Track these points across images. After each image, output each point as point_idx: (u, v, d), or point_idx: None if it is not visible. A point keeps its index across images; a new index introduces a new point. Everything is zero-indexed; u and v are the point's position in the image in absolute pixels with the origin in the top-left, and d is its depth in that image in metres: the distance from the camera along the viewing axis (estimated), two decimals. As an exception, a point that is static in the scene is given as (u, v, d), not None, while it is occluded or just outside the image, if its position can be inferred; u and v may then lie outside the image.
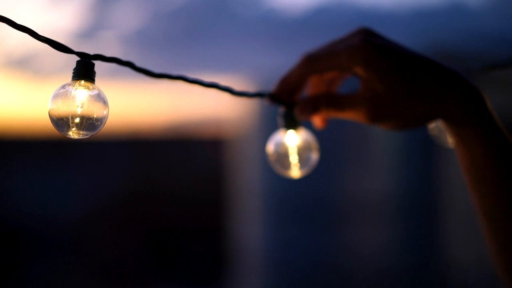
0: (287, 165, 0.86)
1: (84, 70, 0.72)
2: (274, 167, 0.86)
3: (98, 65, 0.73)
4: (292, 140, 0.85)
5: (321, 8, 6.77)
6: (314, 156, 0.85)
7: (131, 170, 7.45)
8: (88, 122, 0.72)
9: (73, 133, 0.72)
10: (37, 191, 7.25)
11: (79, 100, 0.72)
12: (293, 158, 0.85)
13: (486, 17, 5.95)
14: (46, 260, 6.63)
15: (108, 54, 0.74)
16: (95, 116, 0.72)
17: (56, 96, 0.72)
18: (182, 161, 7.42)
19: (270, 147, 0.86)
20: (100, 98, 0.73)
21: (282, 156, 0.85)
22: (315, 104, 0.82)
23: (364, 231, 4.91)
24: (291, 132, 0.85)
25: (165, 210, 7.19)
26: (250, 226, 5.47)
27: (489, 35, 5.35)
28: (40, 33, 0.72)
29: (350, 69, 0.79)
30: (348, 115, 0.81)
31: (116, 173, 7.40)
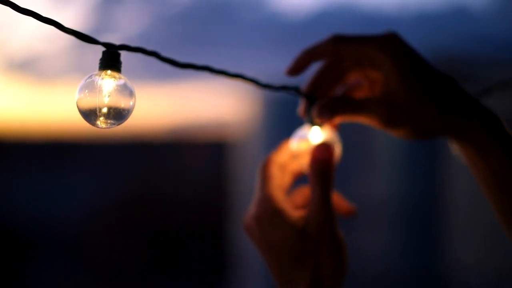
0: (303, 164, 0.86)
1: (110, 60, 0.73)
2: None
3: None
4: (315, 137, 0.85)
5: (325, 11, 6.77)
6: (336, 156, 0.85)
7: (133, 173, 7.45)
8: (115, 112, 0.73)
9: (101, 123, 0.73)
10: (40, 194, 7.25)
11: (106, 89, 0.72)
12: None
13: (490, 21, 5.96)
14: (48, 262, 6.62)
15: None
16: (122, 106, 0.73)
17: (83, 86, 0.73)
18: (183, 164, 7.42)
19: (294, 142, 0.86)
20: (126, 88, 0.73)
21: (304, 152, 0.85)
22: (333, 108, 0.81)
23: (367, 234, 4.91)
24: (315, 128, 0.85)
25: (167, 213, 7.19)
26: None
27: (493, 39, 5.36)
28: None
29: (375, 58, 0.79)
30: (363, 119, 0.81)
31: (118, 176, 7.40)
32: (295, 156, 0.85)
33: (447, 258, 4.88)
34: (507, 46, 5.10)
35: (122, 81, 0.73)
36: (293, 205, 0.84)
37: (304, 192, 0.87)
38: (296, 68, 0.85)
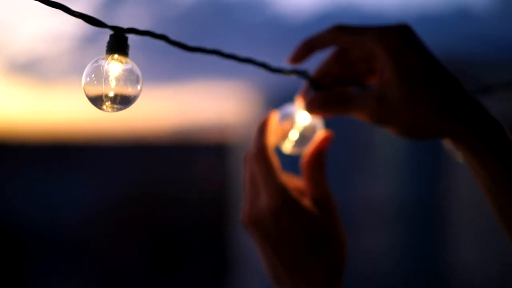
0: (283, 137, 0.84)
1: (118, 44, 0.72)
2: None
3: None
4: (302, 118, 0.85)
5: (326, 13, 6.78)
6: (312, 142, 0.84)
7: (135, 175, 7.46)
8: (122, 96, 0.72)
9: (107, 107, 0.72)
10: (41, 195, 7.26)
11: (113, 74, 0.71)
12: (294, 134, 0.84)
13: (491, 22, 5.97)
14: (50, 263, 6.63)
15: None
16: (128, 90, 0.72)
17: (89, 70, 0.72)
18: (185, 166, 7.42)
19: (278, 115, 0.86)
20: (133, 72, 0.72)
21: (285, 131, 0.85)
22: (324, 102, 0.81)
23: (369, 235, 4.90)
24: (305, 112, 0.85)
25: (168, 215, 7.20)
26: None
27: (494, 40, 5.36)
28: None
29: (373, 50, 0.77)
30: (355, 114, 0.79)
31: (119, 177, 7.40)
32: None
33: (449, 258, 4.87)
34: (508, 47, 5.10)
35: (129, 66, 0.72)
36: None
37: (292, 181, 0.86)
38: (297, 57, 0.84)
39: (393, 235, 4.97)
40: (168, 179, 7.36)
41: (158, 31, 0.75)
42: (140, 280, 6.68)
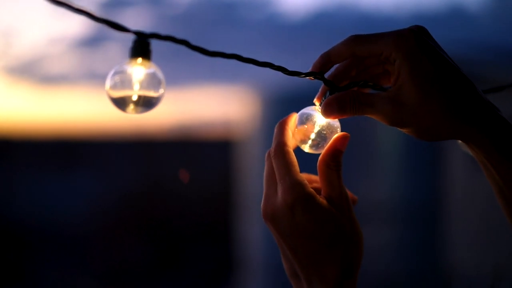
0: (303, 138, 0.86)
1: (141, 49, 0.74)
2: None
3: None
4: (321, 119, 0.87)
5: (323, 11, 6.81)
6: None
7: (139, 172, 7.47)
8: (145, 100, 0.74)
9: (131, 110, 0.74)
10: (45, 193, 7.27)
11: (136, 78, 0.74)
12: (313, 135, 0.86)
13: (485, 21, 5.99)
14: (54, 259, 6.64)
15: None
16: (152, 94, 0.74)
17: (113, 74, 0.74)
18: (189, 163, 7.44)
19: (298, 121, 0.87)
20: (156, 76, 0.74)
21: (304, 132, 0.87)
22: (341, 104, 0.82)
23: (368, 234, 4.92)
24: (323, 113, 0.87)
25: (172, 212, 7.21)
26: (256, 228, 5.48)
27: (488, 39, 5.37)
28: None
29: (390, 55, 0.79)
30: (371, 115, 0.81)
31: (123, 174, 7.41)
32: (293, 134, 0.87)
33: (449, 260, 4.89)
34: (502, 47, 5.12)
35: (152, 70, 0.74)
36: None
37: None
38: (315, 71, 0.85)
39: (391, 235, 4.98)
40: (173, 175, 7.37)
41: (159, 30, 0.76)
42: (144, 276, 6.69)
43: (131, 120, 7.44)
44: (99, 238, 6.85)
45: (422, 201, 5.02)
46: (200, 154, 7.44)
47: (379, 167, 5.12)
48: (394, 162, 5.14)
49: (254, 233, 5.51)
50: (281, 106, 5.21)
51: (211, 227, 7.05)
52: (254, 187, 5.51)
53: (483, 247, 4.63)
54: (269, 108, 5.41)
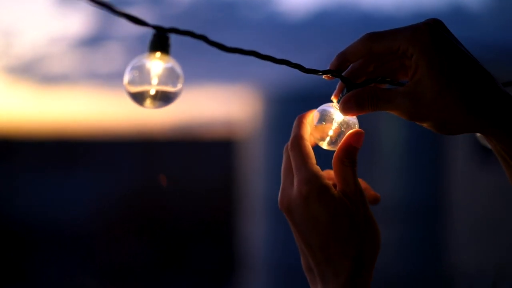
0: (321, 135, 0.87)
1: (160, 43, 0.74)
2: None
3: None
4: (338, 116, 0.87)
5: (323, 11, 6.82)
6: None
7: (141, 171, 7.47)
8: (163, 94, 0.74)
9: (149, 104, 0.74)
10: (46, 192, 7.28)
11: (154, 72, 0.74)
12: (331, 132, 0.86)
13: (486, 20, 6.00)
14: (55, 258, 6.64)
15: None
16: (170, 88, 0.74)
17: (132, 68, 0.74)
18: (191, 162, 7.44)
19: (316, 118, 0.87)
20: (175, 71, 0.74)
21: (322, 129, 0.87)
22: (358, 101, 0.82)
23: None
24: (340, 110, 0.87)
25: (174, 211, 7.21)
26: (258, 227, 5.48)
27: (488, 38, 5.38)
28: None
29: (407, 50, 0.79)
30: (389, 111, 0.81)
31: (125, 174, 7.42)
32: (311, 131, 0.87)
33: (450, 257, 4.89)
34: (502, 46, 5.12)
35: (170, 64, 0.74)
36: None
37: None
38: (345, 79, 0.85)
39: (392, 235, 4.99)
40: (174, 175, 7.38)
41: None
42: (146, 276, 6.69)
43: (133, 120, 7.44)
44: (100, 237, 6.85)
45: (423, 200, 5.02)
46: (202, 154, 7.45)
47: (380, 166, 5.12)
48: (395, 161, 5.14)
49: (256, 232, 5.51)
50: (282, 105, 5.22)
51: (213, 226, 7.06)
52: (257, 186, 5.52)
53: (484, 247, 4.63)
54: (270, 107, 5.41)
